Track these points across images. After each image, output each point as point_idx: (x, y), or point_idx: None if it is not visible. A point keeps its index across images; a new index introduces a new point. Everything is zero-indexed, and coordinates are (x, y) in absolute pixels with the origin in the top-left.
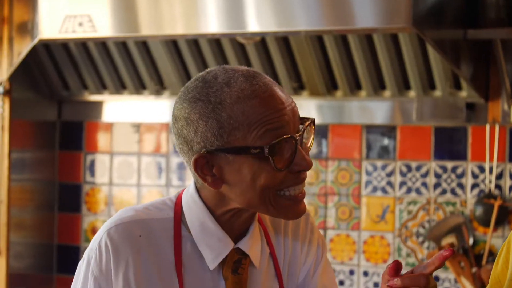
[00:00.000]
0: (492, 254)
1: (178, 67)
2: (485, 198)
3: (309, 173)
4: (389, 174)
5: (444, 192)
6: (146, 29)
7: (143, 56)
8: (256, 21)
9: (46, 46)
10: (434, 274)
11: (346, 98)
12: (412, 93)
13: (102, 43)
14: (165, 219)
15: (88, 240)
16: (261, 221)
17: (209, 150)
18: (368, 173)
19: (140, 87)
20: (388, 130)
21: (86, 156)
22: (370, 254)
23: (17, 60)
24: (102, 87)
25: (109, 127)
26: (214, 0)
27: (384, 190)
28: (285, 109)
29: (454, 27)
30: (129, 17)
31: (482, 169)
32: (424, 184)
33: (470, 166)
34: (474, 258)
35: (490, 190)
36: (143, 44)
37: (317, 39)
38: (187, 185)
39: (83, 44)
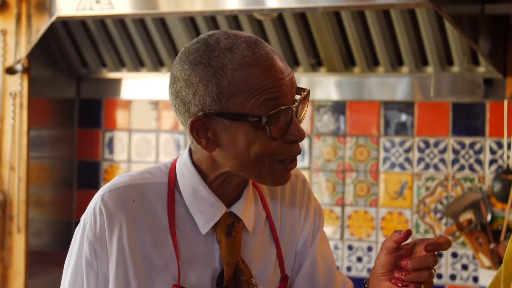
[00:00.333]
0: (510, 230)
1: None
2: (503, 174)
3: (327, 150)
4: (407, 151)
5: (462, 168)
6: (164, 6)
7: (161, 33)
8: None
9: (64, 23)
10: (452, 250)
11: (364, 74)
12: (430, 69)
13: (120, 20)
14: (159, 184)
15: None
16: (257, 186)
17: (206, 114)
18: (386, 150)
19: (158, 64)
20: (406, 106)
21: (104, 134)
22: (388, 231)
23: (35, 37)
24: (120, 64)
25: (128, 104)
26: None
27: (402, 167)
28: (285, 79)
29: (472, 2)
30: None
31: (500, 145)
32: (442, 160)
33: (488, 142)
34: (492, 234)
35: (508, 166)
36: (161, 21)
37: (335, 15)
38: None
39: (101, 21)
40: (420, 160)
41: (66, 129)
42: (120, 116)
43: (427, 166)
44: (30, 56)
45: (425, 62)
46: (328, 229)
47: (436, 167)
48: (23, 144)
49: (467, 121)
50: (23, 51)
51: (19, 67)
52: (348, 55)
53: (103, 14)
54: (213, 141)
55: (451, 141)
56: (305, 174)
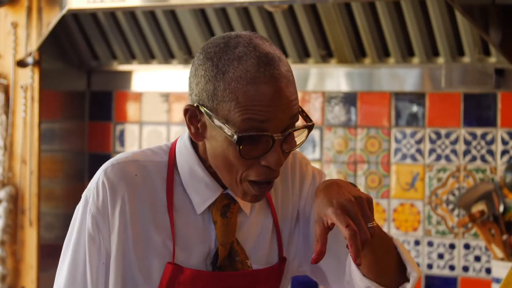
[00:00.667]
0: None
1: (207, 36)
2: None
3: (338, 142)
4: (419, 142)
5: (473, 159)
6: None
7: (171, 25)
8: None
9: (75, 16)
10: (464, 241)
11: (375, 66)
12: (440, 60)
13: (130, 13)
14: (159, 162)
15: None
16: None
17: (199, 107)
18: (397, 141)
19: (168, 57)
20: (417, 97)
21: (115, 126)
22: (400, 222)
23: (46, 30)
24: (131, 56)
25: (138, 96)
26: None
27: (413, 158)
28: (277, 106)
29: None
30: None
31: (511, 135)
32: (454, 151)
33: (499, 133)
34: (504, 225)
35: None
36: (172, 13)
37: (345, 6)
38: None
39: (111, 13)
40: (432, 151)
41: (77, 122)
42: (131, 109)
43: (438, 157)
44: (41, 49)
45: (436, 53)
46: None
47: (447, 158)
48: (35, 137)
49: (479, 111)
50: (34, 44)
51: (30, 60)
52: (359, 46)
53: (114, 6)
54: (201, 133)
55: (463, 132)
56: (316, 166)
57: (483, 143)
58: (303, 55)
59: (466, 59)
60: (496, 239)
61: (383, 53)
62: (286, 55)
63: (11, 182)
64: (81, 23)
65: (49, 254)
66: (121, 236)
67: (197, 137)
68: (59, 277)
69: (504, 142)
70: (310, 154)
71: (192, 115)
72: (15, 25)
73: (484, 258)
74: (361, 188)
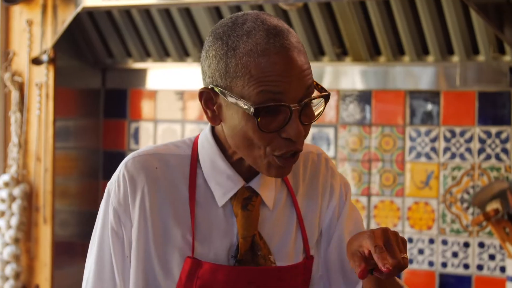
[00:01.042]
0: None
1: None
2: None
3: (352, 140)
4: (433, 140)
5: (488, 157)
6: None
7: (186, 23)
8: None
9: (90, 13)
10: (479, 240)
11: (390, 64)
12: (455, 58)
13: (145, 10)
14: (182, 156)
15: None
16: None
17: (214, 88)
18: (412, 139)
19: (183, 54)
20: (432, 96)
21: (130, 124)
22: (415, 221)
23: (61, 28)
24: (145, 54)
25: (153, 94)
26: None
27: (428, 156)
28: (291, 76)
29: None
30: None
31: None
32: (468, 150)
33: None
34: None
35: None
36: (186, 11)
37: (360, 4)
38: None
39: (126, 11)
40: (446, 149)
41: (92, 120)
42: (146, 106)
43: (453, 156)
44: (56, 46)
45: (450, 51)
46: None
47: (462, 157)
48: (49, 134)
49: (493, 110)
50: (49, 42)
51: (45, 57)
52: (374, 44)
53: (129, 4)
54: (218, 115)
55: (477, 130)
56: None
57: (497, 141)
58: (318, 53)
59: (481, 57)
60: (511, 238)
61: (398, 52)
62: None
63: (26, 179)
64: (96, 21)
65: (63, 252)
66: (141, 228)
67: (214, 120)
68: (86, 272)
69: None
70: (325, 152)
71: (207, 97)
72: (30, 23)
73: (498, 257)
74: (376, 186)
